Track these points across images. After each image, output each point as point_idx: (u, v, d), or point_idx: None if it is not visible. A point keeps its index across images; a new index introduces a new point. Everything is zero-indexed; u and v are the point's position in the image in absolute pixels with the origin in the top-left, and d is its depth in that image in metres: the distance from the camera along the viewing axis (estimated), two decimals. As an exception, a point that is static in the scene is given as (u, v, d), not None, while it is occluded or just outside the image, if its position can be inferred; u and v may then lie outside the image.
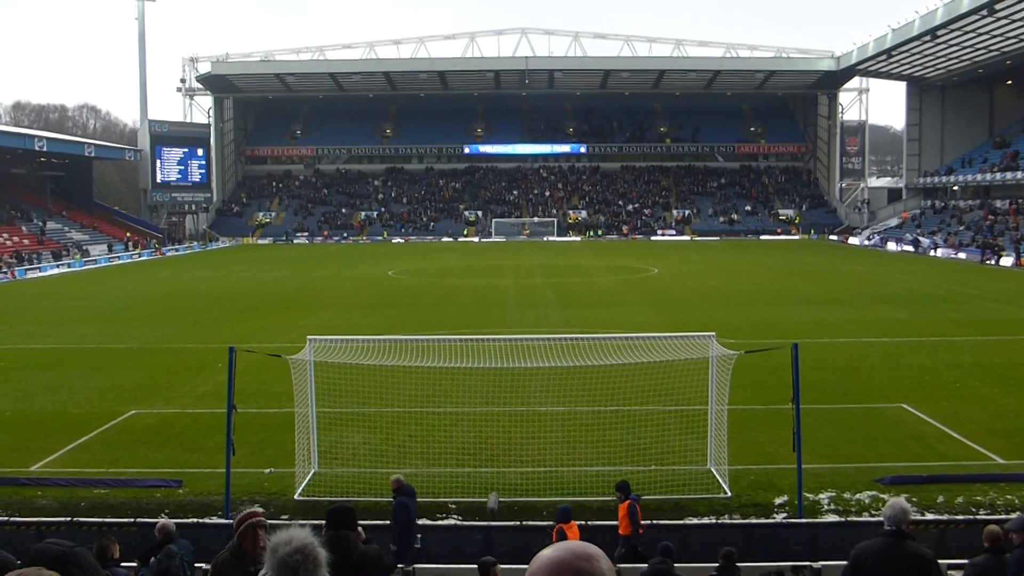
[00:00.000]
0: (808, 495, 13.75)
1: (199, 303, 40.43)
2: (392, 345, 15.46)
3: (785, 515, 13.44)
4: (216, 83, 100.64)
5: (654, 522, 12.85)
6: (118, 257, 72.65)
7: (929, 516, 13.14)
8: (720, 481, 14.42)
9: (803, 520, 13.15)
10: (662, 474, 14.59)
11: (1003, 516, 13.10)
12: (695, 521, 13.25)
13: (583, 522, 12.45)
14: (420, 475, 14.74)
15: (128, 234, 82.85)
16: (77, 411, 19.84)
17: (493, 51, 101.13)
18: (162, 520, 9.74)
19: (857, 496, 14.01)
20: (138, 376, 23.61)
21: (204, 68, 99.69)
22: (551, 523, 12.95)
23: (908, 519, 6.18)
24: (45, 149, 76.63)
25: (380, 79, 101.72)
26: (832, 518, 13.33)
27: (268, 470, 15.46)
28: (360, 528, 6.84)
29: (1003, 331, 30.21)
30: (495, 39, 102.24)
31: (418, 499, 13.06)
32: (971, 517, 12.92)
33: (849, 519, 13.21)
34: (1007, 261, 59.51)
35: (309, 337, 15.12)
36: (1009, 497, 13.96)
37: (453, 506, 13.83)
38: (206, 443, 17.15)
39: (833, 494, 14.09)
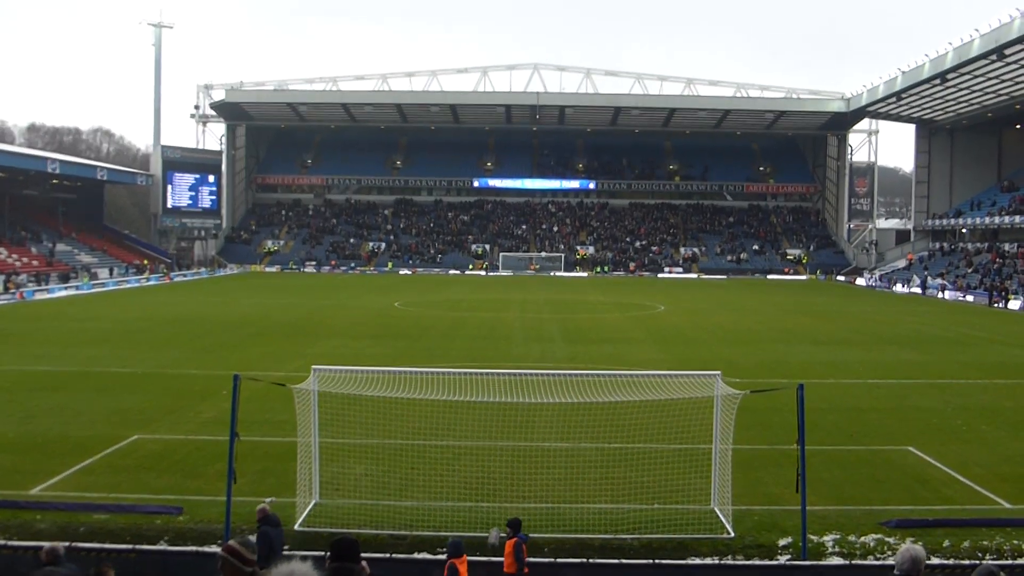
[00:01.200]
0: (812, 537, 13.63)
1: (206, 329, 40.46)
2: (397, 377, 15.41)
3: (789, 557, 13.31)
4: (229, 110, 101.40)
5: (655, 562, 12.74)
6: (126, 281, 72.82)
7: (935, 560, 13.00)
8: (723, 521, 14.30)
9: (807, 563, 13.01)
10: (665, 513, 14.48)
11: (1009, 561, 13.01)
12: (697, 561, 13.11)
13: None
14: (422, 508, 14.66)
15: (145, 261, 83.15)
16: (80, 434, 19.79)
17: (505, 85, 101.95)
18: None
19: (862, 539, 13.88)
20: (143, 400, 23.57)
21: (218, 95, 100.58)
22: (550, 559, 12.88)
23: (922, 568, 6.08)
24: (58, 171, 77.15)
25: (392, 111, 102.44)
26: (836, 561, 13.18)
27: (269, 499, 15.37)
28: (364, 562, 6.79)
29: (1012, 375, 30.07)
30: (507, 74, 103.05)
31: (419, 532, 12.96)
32: (977, 562, 12.78)
33: (854, 562, 13.07)
34: (1015, 304, 59.38)
35: (314, 367, 15.09)
36: (1016, 542, 13.83)
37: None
38: (208, 470, 17.09)
39: (838, 536, 13.96)
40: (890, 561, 11.82)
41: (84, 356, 31.65)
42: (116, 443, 19.03)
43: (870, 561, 13.07)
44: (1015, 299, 60.30)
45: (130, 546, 13.05)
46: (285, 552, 13.16)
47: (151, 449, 18.83)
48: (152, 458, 18.14)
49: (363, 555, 7.10)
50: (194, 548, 13.07)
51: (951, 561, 13.01)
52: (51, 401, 23.37)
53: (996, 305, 60.68)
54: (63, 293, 62.67)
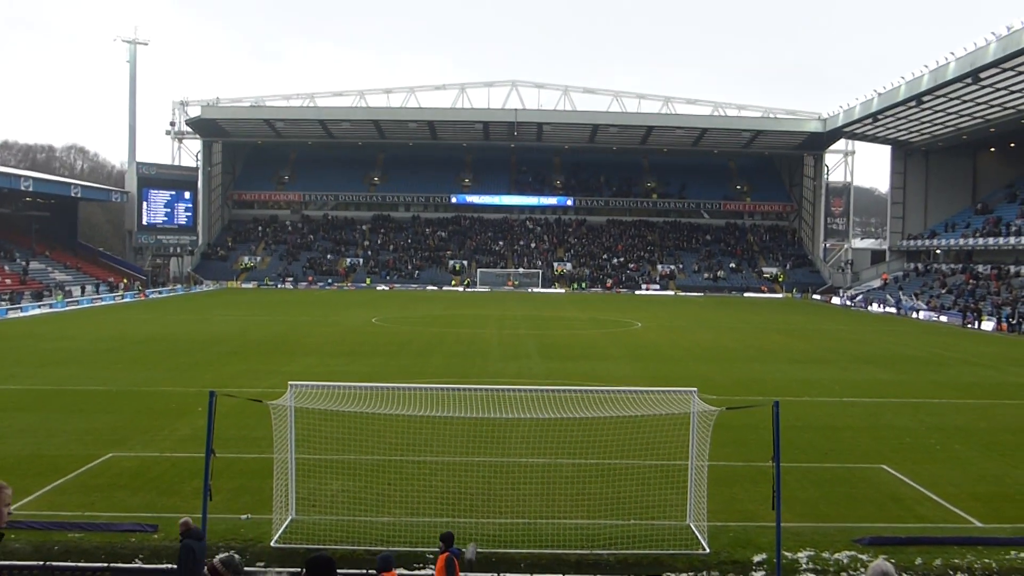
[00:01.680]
0: (787, 553, 13.71)
1: (181, 346, 40.23)
2: (374, 392, 15.39)
3: (763, 573, 13.38)
4: (206, 127, 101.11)
5: (632, 577, 12.78)
6: (100, 298, 72.30)
7: (907, 578, 13.11)
8: (699, 537, 14.36)
9: (781, 579, 13.09)
10: (641, 528, 14.52)
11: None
12: (673, 577, 13.17)
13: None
14: (399, 524, 14.65)
15: (113, 278, 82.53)
16: (54, 453, 19.63)
17: (483, 102, 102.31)
18: None
19: (836, 556, 13.97)
20: (117, 419, 23.40)
21: (194, 112, 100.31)
22: (526, 575, 12.89)
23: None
24: (31, 189, 76.53)
25: (369, 127, 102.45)
26: (810, 577, 13.28)
27: (245, 516, 15.32)
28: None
29: (985, 395, 30.36)
30: (485, 91, 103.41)
31: (396, 548, 12.94)
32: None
33: (827, 579, 13.17)
34: (988, 325, 59.93)
35: (290, 383, 15.06)
36: (987, 561, 13.95)
37: (431, 556, 13.70)
38: (183, 488, 16.99)
39: (812, 553, 14.05)
40: (863, 577, 11.91)
41: (57, 375, 31.39)
42: (90, 462, 18.89)
43: (844, 577, 13.15)
44: (988, 320, 60.88)
45: (104, 564, 12.98)
46: (260, 568, 13.16)
47: (125, 467, 18.70)
48: (127, 476, 18.02)
49: (340, 571, 7.11)
50: (169, 566, 12.99)
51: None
52: (23, 421, 23.15)
53: (969, 326, 61.22)
54: (36, 311, 62.13)
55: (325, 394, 15.18)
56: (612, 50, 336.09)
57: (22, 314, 59.62)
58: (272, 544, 13.96)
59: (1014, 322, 59.09)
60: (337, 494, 16.19)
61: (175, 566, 12.98)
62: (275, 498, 14.62)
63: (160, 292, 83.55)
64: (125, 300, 74.58)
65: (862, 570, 13.30)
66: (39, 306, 63.96)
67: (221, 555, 6.24)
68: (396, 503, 15.88)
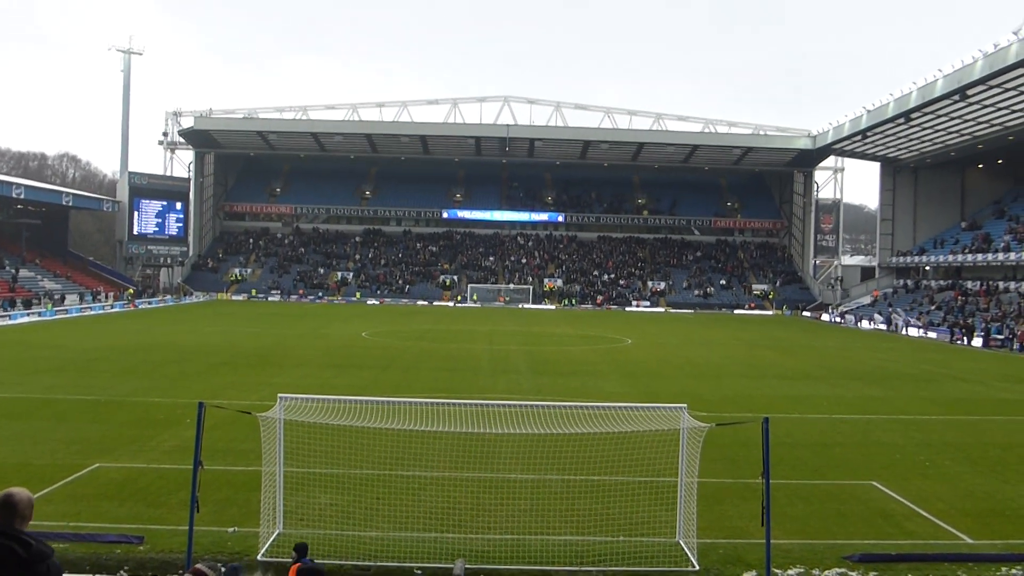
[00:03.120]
0: (777, 571, 13.66)
1: (170, 357, 40.06)
2: (363, 406, 15.31)
3: (753, 591, 13.33)
4: (198, 138, 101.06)
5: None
6: (90, 308, 72.04)
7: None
8: (688, 554, 14.29)
9: (771, 596, 13.04)
10: (630, 545, 14.46)
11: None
12: (662, 594, 13.11)
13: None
14: (386, 539, 14.55)
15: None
16: (40, 462, 19.48)
17: (475, 118, 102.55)
18: None
19: (825, 573, 13.92)
20: (104, 429, 23.25)
21: (187, 123, 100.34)
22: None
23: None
24: (23, 196, 76.39)
25: (362, 141, 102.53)
26: (800, 595, 13.23)
27: (232, 529, 15.21)
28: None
29: (974, 411, 30.40)
30: (477, 106, 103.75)
31: (384, 563, 12.84)
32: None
33: (817, 596, 13.12)
34: (977, 341, 60.11)
35: (280, 395, 14.98)
36: (977, 578, 13.93)
37: (419, 571, 13.62)
38: (170, 499, 16.87)
39: (802, 570, 13.99)
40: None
41: (44, 384, 31.20)
42: (76, 472, 18.75)
43: (833, 595, 13.11)
44: (977, 336, 61.07)
45: (89, 575, 12.85)
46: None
47: (112, 478, 18.56)
48: (113, 487, 17.88)
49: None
50: (154, 578, 12.89)
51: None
52: (9, 429, 22.99)
53: (958, 342, 61.39)
54: (25, 320, 61.87)
55: (315, 407, 15.10)
56: (604, 67, 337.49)
57: (10, 322, 59.37)
58: (259, 558, 13.85)
59: (1003, 338, 59.35)
60: (325, 508, 16.08)
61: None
62: (263, 511, 14.53)
63: (150, 302, 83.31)
64: (115, 310, 74.32)
65: (852, 588, 13.25)
66: (28, 314, 63.70)
67: (205, 561, 6.17)
68: (384, 518, 15.78)
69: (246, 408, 19.64)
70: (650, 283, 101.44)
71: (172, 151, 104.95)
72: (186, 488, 14.65)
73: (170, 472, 18.81)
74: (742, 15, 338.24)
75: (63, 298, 73.19)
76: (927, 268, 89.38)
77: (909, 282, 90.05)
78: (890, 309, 79.95)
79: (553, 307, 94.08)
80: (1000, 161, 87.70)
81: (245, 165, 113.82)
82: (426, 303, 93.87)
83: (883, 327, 74.37)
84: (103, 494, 17.36)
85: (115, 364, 37.25)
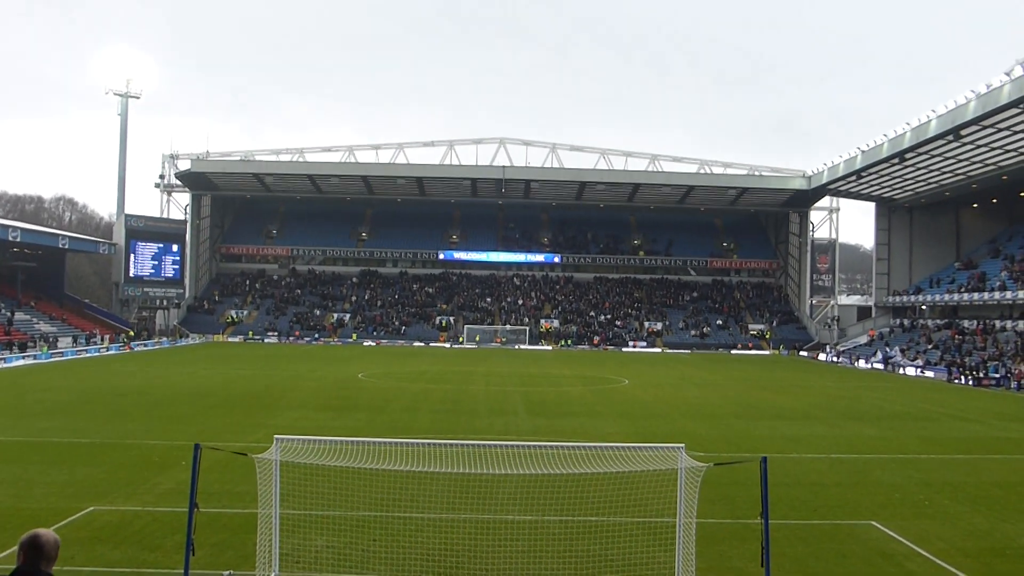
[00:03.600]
0: (777, 612, 13.56)
1: (166, 399, 39.91)
2: (360, 447, 15.24)
3: (753, 632, 13.22)
4: (195, 180, 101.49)
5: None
6: (85, 350, 71.86)
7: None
8: (688, 596, 14.19)
9: (771, 638, 12.92)
10: (629, 587, 14.36)
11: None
12: (662, 636, 12.99)
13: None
14: (383, 581, 14.43)
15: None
16: (34, 506, 19.34)
17: (471, 159, 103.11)
18: None
19: (826, 614, 13.83)
20: (99, 472, 23.10)
21: (184, 165, 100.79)
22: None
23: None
24: (19, 239, 76.42)
25: (358, 183, 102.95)
26: (801, 637, 13.12)
27: (228, 573, 15.08)
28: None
29: (972, 450, 30.33)
30: (473, 147, 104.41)
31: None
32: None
33: (818, 638, 13.01)
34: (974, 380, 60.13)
35: (276, 436, 14.92)
36: (978, 619, 13.82)
37: (415, 615, 13.52)
38: (165, 543, 16.73)
39: (802, 612, 13.90)
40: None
41: (39, 427, 31.03)
42: (70, 515, 18.60)
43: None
44: (975, 374, 61.03)
45: (82, 621, 12.73)
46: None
47: (106, 521, 18.42)
48: (108, 530, 17.74)
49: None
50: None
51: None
52: (3, 473, 22.82)
53: (955, 381, 61.36)
54: (20, 362, 61.68)
55: (311, 448, 15.03)
56: (599, 108, 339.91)
57: (5, 365, 59.15)
58: (254, 601, 13.73)
59: (999, 376, 59.35)
60: (321, 550, 15.95)
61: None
62: (258, 554, 14.41)
63: (146, 345, 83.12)
64: (110, 352, 74.14)
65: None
66: (23, 357, 63.50)
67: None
68: (381, 560, 15.66)
69: (242, 450, 19.55)
70: (647, 323, 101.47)
71: (168, 193, 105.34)
72: (182, 531, 14.54)
73: (165, 515, 18.67)
74: (737, 65, 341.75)
75: (57, 341, 73.03)
76: (923, 307, 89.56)
77: (906, 321, 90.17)
78: (887, 349, 79.95)
79: (550, 348, 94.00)
80: (995, 200, 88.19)
81: (241, 207, 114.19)
82: (423, 344, 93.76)
83: (880, 366, 74.34)
84: (98, 538, 17.21)
85: (110, 406, 37.09)
